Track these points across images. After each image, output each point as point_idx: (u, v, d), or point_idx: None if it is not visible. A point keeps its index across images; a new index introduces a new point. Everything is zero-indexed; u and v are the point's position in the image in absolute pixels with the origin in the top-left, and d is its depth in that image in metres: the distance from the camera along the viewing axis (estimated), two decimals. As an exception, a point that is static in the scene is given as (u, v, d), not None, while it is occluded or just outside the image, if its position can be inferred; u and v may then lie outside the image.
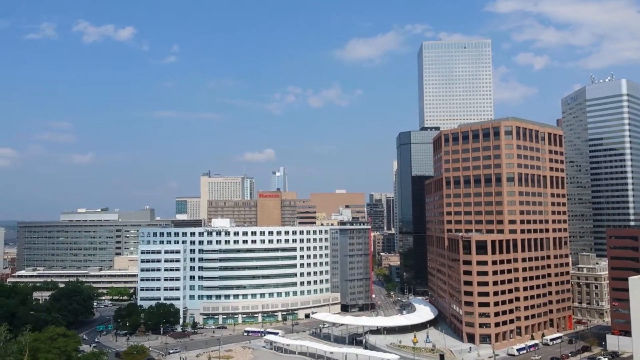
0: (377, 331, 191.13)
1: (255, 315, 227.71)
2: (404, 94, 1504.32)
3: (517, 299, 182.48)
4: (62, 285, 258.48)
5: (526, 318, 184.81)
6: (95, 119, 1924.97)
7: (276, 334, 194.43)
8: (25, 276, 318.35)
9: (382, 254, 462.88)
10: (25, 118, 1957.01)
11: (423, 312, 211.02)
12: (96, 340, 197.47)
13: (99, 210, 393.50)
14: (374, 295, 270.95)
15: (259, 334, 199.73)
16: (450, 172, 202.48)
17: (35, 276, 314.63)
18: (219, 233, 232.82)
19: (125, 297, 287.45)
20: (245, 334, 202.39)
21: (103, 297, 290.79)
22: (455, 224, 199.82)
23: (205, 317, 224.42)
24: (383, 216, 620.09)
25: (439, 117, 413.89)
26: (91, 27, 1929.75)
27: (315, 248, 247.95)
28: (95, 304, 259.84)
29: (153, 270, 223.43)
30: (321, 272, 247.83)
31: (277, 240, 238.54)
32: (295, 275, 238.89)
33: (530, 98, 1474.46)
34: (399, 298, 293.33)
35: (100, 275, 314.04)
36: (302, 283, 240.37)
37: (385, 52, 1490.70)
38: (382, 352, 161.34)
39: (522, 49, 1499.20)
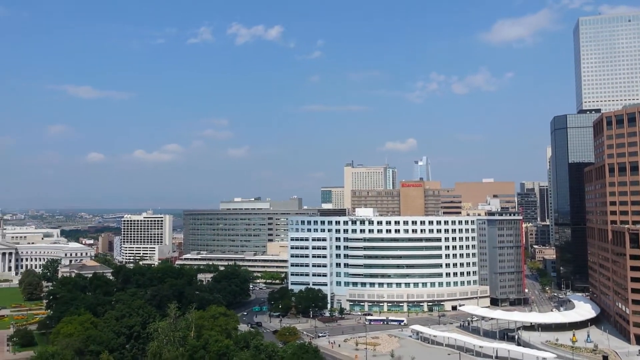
0: (531, 327, 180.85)
1: (400, 304, 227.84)
2: (559, 74, 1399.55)
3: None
4: (222, 268, 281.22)
5: None
6: (249, 115, 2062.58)
7: (401, 322, 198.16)
8: (191, 259, 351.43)
9: (535, 246, 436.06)
10: (189, 116, 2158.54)
11: (583, 309, 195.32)
12: (255, 320, 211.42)
13: (253, 199, 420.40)
14: (526, 290, 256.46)
15: (381, 323, 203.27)
16: (614, 158, 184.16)
17: (199, 259, 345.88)
18: (362, 222, 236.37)
19: (277, 281, 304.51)
20: (368, 322, 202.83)
21: (258, 280, 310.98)
22: (621, 215, 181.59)
23: (351, 303, 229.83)
24: (536, 206, 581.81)
25: (599, 98, 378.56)
26: (243, 28, 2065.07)
27: (461, 239, 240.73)
28: (251, 286, 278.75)
29: (302, 256, 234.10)
30: (468, 264, 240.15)
31: (421, 230, 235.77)
32: (440, 265, 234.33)
33: None
34: (555, 294, 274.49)
35: (255, 260, 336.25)
36: (448, 274, 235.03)
37: (536, 31, 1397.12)
38: (537, 350, 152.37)
39: None
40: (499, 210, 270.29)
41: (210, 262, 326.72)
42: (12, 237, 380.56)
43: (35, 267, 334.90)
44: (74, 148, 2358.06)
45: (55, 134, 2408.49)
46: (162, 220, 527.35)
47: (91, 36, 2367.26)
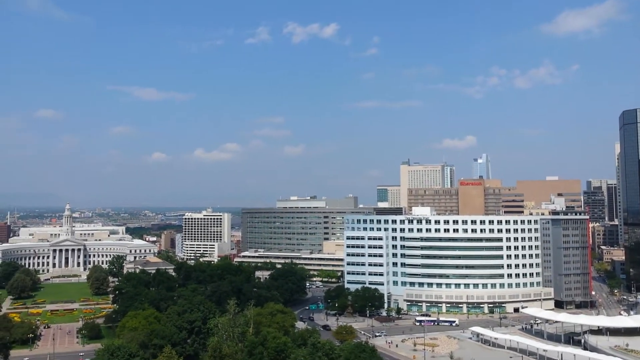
0: (599, 331, 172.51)
1: (460, 305, 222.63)
2: (628, 66, 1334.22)
3: None
4: (278, 266, 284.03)
5: None
6: (305, 114, 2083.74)
7: (452, 322, 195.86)
8: (248, 257, 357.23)
9: (602, 247, 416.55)
10: (247, 116, 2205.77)
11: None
12: (310, 317, 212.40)
13: (309, 198, 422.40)
14: (593, 292, 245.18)
15: (432, 323, 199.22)
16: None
17: (257, 257, 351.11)
18: (420, 221, 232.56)
19: (333, 280, 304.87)
20: (418, 323, 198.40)
21: (314, 279, 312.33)
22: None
23: (408, 303, 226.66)
24: (603, 205, 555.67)
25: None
26: (299, 27, 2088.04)
27: (523, 239, 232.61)
28: (307, 284, 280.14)
29: (357, 255, 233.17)
30: (531, 265, 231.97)
31: (481, 230, 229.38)
32: (502, 266, 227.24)
33: None
34: (625, 297, 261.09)
35: (311, 258, 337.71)
36: (509, 275, 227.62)
37: (602, 21, 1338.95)
38: (605, 355, 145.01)
39: None
40: (563, 209, 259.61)
41: (268, 260, 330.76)
42: (81, 234, 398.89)
43: (102, 263, 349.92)
44: (138, 148, 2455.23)
45: (119, 134, 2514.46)
46: (221, 219, 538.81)
47: (153, 39, 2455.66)
